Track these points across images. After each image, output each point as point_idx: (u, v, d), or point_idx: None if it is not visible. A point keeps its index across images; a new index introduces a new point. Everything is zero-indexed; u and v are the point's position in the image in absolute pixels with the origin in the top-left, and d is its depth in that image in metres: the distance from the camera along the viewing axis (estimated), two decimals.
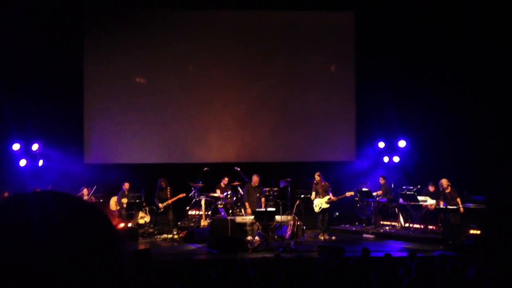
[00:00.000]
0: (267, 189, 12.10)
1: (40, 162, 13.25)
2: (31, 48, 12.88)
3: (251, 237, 11.12)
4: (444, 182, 11.37)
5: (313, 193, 12.13)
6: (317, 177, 12.08)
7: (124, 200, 12.53)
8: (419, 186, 12.61)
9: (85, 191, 12.36)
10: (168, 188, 12.54)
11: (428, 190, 12.30)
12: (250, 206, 11.62)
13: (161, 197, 12.50)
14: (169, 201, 12.43)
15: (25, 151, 13.15)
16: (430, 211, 11.99)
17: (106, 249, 0.75)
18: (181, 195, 12.50)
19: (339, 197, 12.20)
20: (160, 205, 12.38)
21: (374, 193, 12.95)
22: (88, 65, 13.86)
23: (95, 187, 12.58)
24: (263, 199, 11.82)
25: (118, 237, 0.81)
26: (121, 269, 0.75)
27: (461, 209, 11.11)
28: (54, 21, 13.03)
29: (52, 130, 13.33)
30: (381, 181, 13.21)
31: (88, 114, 13.89)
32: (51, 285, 0.68)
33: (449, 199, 11.24)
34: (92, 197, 12.44)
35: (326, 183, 12.14)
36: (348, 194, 12.32)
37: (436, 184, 11.90)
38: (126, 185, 12.71)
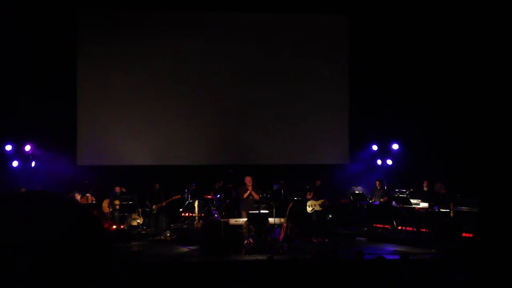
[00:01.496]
0: (260, 191, 12.10)
1: (33, 164, 13.18)
2: (23, 48, 12.83)
3: (246, 240, 11.09)
4: (439, 185, 11.42)
5: (308, 194, 12.20)
6: (317, 183, 12.21)
7: (117, 202, 12.49)
8: (411, 190, 12.65)
9: (77, 196, 12.27)
10: (161, 191, 12.54)
11: (423, 189, 12.40)
12: (245, 209, 11.59)
13: (154, 198, 12.48)
14: (164, 203, 12.41)
15: (18, 152, 13.08)
16: (423, 214, 12.01)
17: (94, 247, 0.75)
18: (176, 197, 12.48)
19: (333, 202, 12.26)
20: (154, 206, 12.36)
21: (382, 199, 12.99)
22: (81, 66, 13.81)
23: (97, 184, 12.55)
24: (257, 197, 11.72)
25: (105, 236, 0.81)
26: (107, 267, 0.75)
27: (451, 214, 11.16)
28: (46, 21, 12.98)
29: (44, 131, 13.26)
30: (378, 185, 13.26)
31: (81, 116, 13.83)
32: (39, 280, 0.68)
33: (441, 202, 11.28)
34: (91, 197, 12.39)
35: (322, 188, 12.28)
36: (343, 201, 12.41)
37: (431, 184, 11.99)
38: (117, 189, 12.69)
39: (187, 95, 14.14)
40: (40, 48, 12.94)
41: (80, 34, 13.80)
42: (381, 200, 13.06)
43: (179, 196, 12.52)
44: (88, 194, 12.34)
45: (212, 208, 11.99)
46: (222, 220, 11.10)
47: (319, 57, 14.45)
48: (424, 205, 11.93)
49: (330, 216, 13.72)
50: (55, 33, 13.16)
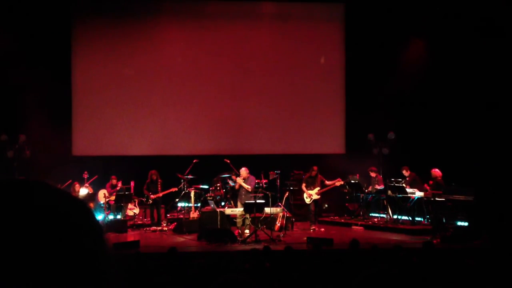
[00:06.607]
0: (256, 181, 12.06)
1: (28, 154, 13.09)
2: (18, 37, 12.74)
3: (239, 230, 11.09)
4: (437, 171, 11.42)
5: (304, 184, 12.13)
6: (314, 171, 12.07)
7: (113, 192, 12.47)
8: (407, 178, 12.67)
9: (77, 186, 12.21)
10: (159, 181, 12.51)
11: (403, 174, 12.50)
12: (240, 199, 11.51)
13: (152, 189, 12.45)
14: (160, 194, 12.40)
15: (13, 142, 13.00)
16: (419, 203, 12.03)
17: (84, 239, 0.74)
18: (172, 189, 12.44)
19: (330, 183, 12.11)
20: (152, 196, 12.31)
21: (378, 187, 13.00)
22: (76, 56, 13.75)
23: (96, 176, 12.54)
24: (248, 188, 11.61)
25: (98, 228, 0.80)
26: (98, 260, 0.74)
27: (426, 191, 11.22)
28: (41, 10, 12.89)
29: (40, 121, 13.18)
30: (372, 174, 13.25)
31: (76, 106, 13.79)
32: (30, 273, 0.67)
33: (435, 188, 11.30)
34: (90, 187, 12.36)
35: (320, 176, 12.20)
36: (338, 183, 12.25)
37: (411, 170, 12.11)
38: (114, 179, 12.66)
39: (184, 85, 14.09)
40: (35, 35, 12.86)
41: (75, 23, 13.72)
42: (377, 188, 13.06)
43: (176, 189, 12.49)
44: (87, 184, 12.34)
45: (208, 198, 11.98)
46: (218, 210, 11.12)
47: (316, 46, 14.42)
48: (420, 194, 11.94)
49: (326, 205, 13.74)
50: (50, 22, 13.06)
